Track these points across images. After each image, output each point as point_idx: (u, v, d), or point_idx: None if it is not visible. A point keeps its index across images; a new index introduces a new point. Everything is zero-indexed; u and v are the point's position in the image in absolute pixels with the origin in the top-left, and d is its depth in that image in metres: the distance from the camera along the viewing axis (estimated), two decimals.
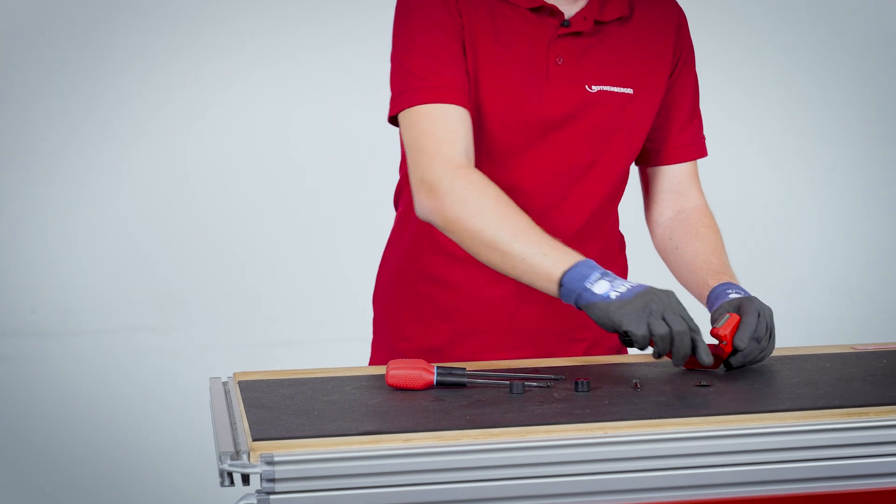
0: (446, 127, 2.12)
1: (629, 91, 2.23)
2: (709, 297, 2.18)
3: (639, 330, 1.91)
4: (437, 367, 1.96)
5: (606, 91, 2.21)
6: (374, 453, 1.61)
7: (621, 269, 2.40)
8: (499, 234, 2.05)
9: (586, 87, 2.20)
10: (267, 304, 4.28)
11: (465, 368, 1.98)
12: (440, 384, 1.95)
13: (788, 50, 4.54)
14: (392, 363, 1.96)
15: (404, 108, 2.15)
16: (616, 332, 1.94)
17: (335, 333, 4.26)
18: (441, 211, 2.10)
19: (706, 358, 1.93)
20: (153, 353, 4.17)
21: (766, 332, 2.04)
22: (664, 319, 1.91)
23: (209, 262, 4.22)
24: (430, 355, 2.25)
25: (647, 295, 1.93)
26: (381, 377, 2.01)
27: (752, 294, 2.11)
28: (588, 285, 1.96)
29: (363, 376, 2.05)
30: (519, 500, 1.63)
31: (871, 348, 2.22)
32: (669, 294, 1.95)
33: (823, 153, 4.61)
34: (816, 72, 4.56)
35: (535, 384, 1.94)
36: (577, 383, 1.91)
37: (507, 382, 1.93)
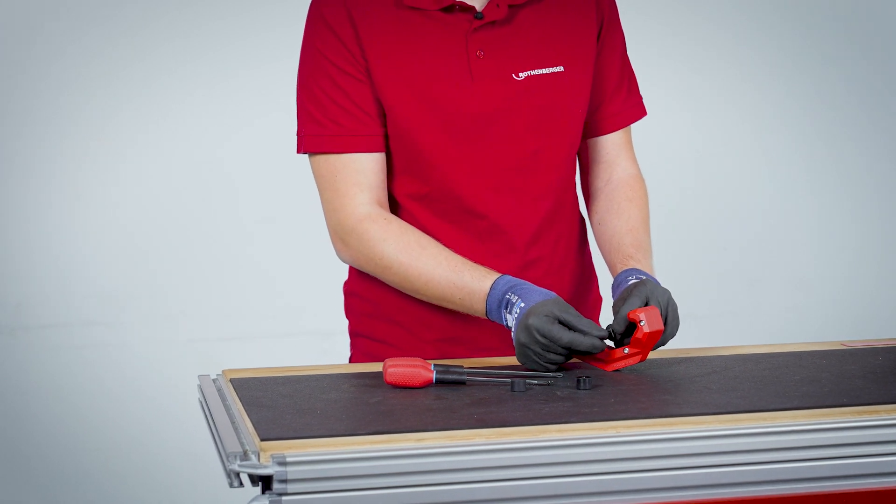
0: (347, 179, 2.16)
1: (559, 69, 2.19)
2: (612, 285, 2.17)
3: (537, 368, 1.99)
4: (435, 365, 1.93)
5: (535, 75, 2.17)
6: (387, 453, 1.58)
7: (585, 260, 2.36)
8: (416, 283, 2.13)
9: (513, 75, 2.16)
10: (221, 300, 4.22)
11: (462, 366, 1.95)
12: (439, 382, 1.92)
13: (745, 34, 4.54)
14: (389, 361, 1.93)
15: (306, 152, 2.19)
16: None
17: (290, 328, 4.22)
18: (358, 262, 2.19)
19: (591, 341, 1.96)
20: (106, 348, 4.10)
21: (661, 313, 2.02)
22: (538, 355, 1.97)
23: (162, 257, 4.16)
24: None
25: (519, 339, 1.99)
26: (378, 374, 1.97)
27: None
28: (507, 326, 2.05)
29: (358, 374, 2.02)
30: (533, 500, 1.61)
31: (860, 345, 2.22)
32: (530, 327, 1.96)
33: (789, 145, 4.62)
34: (777, 59, 4.56)
35: (536, 382, 1.91)
36: (578, 380, 1.88)
37: (508, 380, 1.90)
